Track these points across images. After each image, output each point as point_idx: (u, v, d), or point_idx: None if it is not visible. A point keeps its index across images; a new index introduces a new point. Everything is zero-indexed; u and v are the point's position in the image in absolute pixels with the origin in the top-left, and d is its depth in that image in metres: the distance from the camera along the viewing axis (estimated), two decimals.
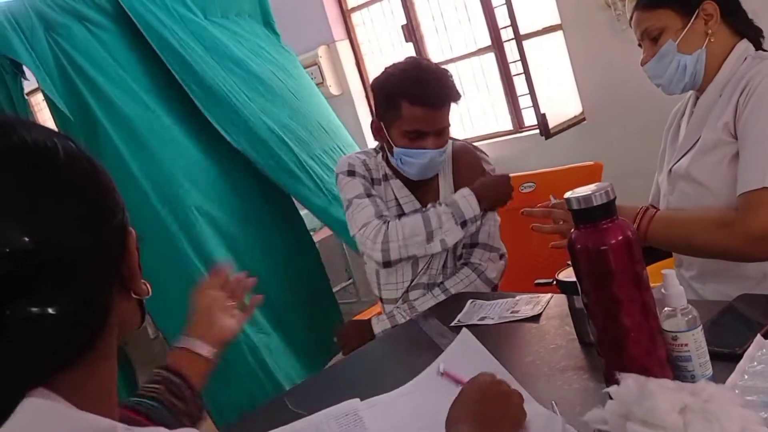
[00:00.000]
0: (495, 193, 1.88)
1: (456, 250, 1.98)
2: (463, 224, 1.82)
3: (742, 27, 1.57)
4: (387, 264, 1.85)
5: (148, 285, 0.76)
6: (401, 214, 1.96)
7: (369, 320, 1.99)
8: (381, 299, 2.11)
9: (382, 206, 1.92)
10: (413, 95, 1.80)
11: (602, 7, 3.33)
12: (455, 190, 1.92)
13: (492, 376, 1.05)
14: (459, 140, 2.06)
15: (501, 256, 1.99)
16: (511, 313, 1.54)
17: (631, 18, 1.63)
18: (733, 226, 1.36)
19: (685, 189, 1.57)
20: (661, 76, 1.59)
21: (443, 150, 1.89)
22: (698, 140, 1.53)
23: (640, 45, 1.64)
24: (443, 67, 1.93)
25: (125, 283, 0.72)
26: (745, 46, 1.55)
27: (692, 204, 1.54)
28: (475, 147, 2.05)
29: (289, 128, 2.91)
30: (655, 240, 1.49)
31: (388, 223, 1.84)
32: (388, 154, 1.97)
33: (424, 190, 1.99)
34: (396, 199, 1.99)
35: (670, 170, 1.62)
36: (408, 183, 1.99)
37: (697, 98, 1.61)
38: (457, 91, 1.86)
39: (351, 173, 1.96)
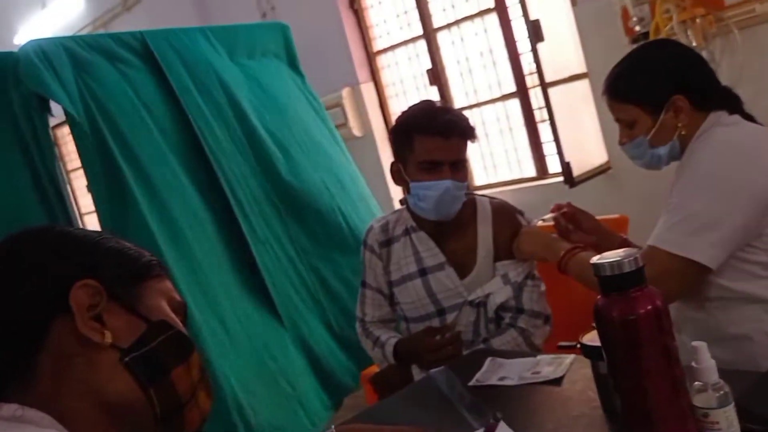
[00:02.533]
0: (414, 350, 1.90)
1: (488, 310, 1.93)
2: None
3: (717, 105, 1.54)
4: None
5: (105, 332, 0.77)
6: (421, 268, 1.93)
7: (409, 367, 1.97)
8: None
9: (369, 298, 2.05)
10: (423, 126, 1.83)
11: None
12: (494, 247, 1.93)
13: None
14: (497, 198, 2.04)
15: (546, 320, 1.95)
16: (532, 374, 1.48)
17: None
18: None
19: None
20: (640, 158, 1.64)
21: (462, 185, 1.86)
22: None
23: None
24: (463, 113, 1.93)
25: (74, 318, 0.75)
26: (714, 118, 1.52)
27: None
28: (512, 206, 2.03)
29: (285, 191, 2.95)
30: (571, 274, 1.63)
31: (363, 332, 2.07)
32: (408, 199, 1.93)
33: (454, 244, 1.95)
34: (415, 253, 1.95)
35: None
36: (435, 236, 1.95)
37: None
38: (470, 126, 1.86)
39: (364, 243, 2.07)
